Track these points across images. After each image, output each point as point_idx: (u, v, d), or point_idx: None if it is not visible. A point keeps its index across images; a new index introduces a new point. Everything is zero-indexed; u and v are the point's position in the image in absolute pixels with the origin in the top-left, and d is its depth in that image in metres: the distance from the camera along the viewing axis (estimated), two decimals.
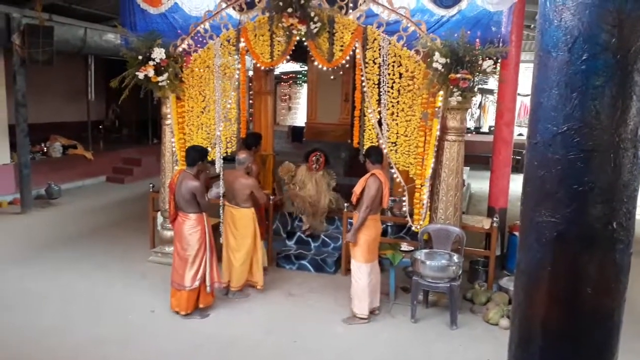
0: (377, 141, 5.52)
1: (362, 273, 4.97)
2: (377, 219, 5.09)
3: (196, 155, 5.03)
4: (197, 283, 4.95)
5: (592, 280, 1.30)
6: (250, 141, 6.15)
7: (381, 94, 5.47)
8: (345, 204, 6.19)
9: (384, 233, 5.93)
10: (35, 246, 7.00)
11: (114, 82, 5.87)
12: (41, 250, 6.87)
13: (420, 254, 5.10)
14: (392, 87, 5.43)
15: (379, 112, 5.51)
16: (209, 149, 6.22)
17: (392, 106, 5.46)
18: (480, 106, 18.03)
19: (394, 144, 5.53)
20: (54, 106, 12.36)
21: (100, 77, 11.87)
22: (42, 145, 10.77)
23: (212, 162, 5.99)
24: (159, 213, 6.83)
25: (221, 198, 6.35)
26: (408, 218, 5.60)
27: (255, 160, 6.11)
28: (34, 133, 9.20)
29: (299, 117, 20.68)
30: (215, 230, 6.43)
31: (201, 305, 5.06)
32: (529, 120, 1.41)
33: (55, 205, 9.11)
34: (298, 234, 6.77)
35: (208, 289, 5.01)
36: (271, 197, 6.58)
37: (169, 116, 6.27)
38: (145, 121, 13.49)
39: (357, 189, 4.97)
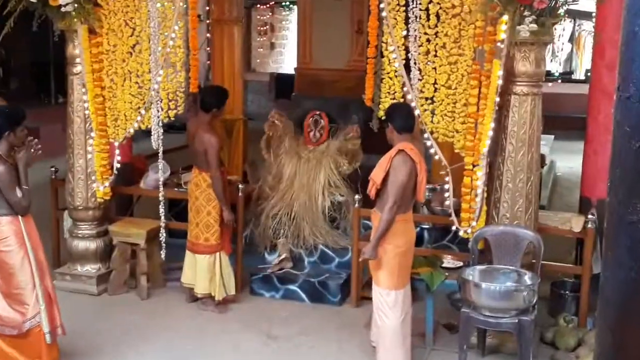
0: (403, 97, 5.51)
1: (391, 305, 4.99)
2: (409, 219, 5.12)
3: (1, 123, 4.75)
4: (26, 326, 4.76)
5: None
6: (209, 99, 6.10)
7: (410, 21, 5.46)
8: (357, 197, 6.21)
9: (418, 241, 5.96)
10: None
11: None
12: None
13: (473, 273, 5.13)
14: (426, 11, 5.42)
15: (407, 50, 5.51)
16: (142, 110, 6.23)
17: (428, 41, 5.47)
18: (571, 39, 18.01)
19: (429, 101, 5.53)
20: None
21: None
22: None
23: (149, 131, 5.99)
24: (65, 213, 6.88)
25: (161, 187, 6.38)
26: (453, 217, 5.63)
27: (215, 128, 6.12)
28: None
29: (287, 61, 20.69)
30: (154, 238, 6.48)
31: None
32: (619, 62, 1.41)
33: None
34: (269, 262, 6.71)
35: (47, 338, 4.76)
36: (240, 186, 6.60)
37: (78, 60, 6.27)
38: (45, 68, 13.46)
39: (376, 176, 4.96)
